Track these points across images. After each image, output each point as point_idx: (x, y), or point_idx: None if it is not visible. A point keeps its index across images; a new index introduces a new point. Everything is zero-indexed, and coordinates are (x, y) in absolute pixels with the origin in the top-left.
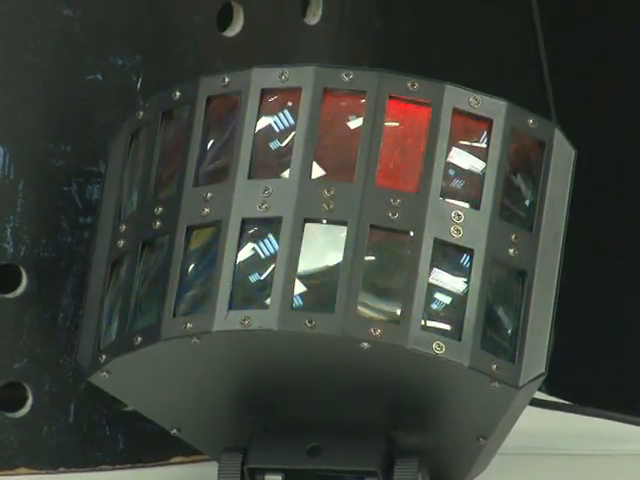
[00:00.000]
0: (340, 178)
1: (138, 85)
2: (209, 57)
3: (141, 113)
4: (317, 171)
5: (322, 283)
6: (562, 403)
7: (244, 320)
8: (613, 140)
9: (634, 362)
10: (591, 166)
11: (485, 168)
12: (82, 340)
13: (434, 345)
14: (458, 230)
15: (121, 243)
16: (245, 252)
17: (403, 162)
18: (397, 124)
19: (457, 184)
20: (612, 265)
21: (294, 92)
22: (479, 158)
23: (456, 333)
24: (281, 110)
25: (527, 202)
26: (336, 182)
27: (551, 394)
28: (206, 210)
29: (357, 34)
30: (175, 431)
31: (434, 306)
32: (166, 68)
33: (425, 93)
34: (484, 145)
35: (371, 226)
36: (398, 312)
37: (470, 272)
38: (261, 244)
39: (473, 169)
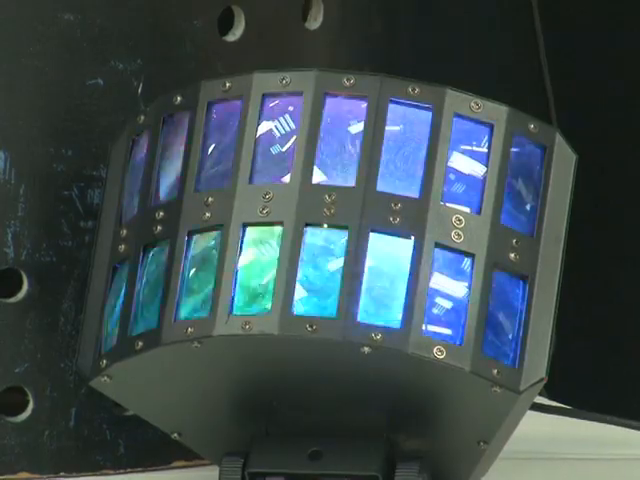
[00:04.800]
0: (341, 183)
1: (139, 89)
2: (210, 61)
3: (142, 117)
4: (318, 176)
5: (323, 288)
6: (563, 407)
7: (245, 325)
8: (614, 143)
9: (635, 366)
10: (592, 170)
11: (486, 172)
12: (83, 344)
13: (435, 350)
14: (459, 234)
15: (122, 247)
16: (246, 257)
17: (404, 167)
18: (398, 128)
19: (458, 188)
20: (613, 269)
21: (295, 97)
22: (480, 162)
23: (457, 338)
24: (282, 115)
25: (528, 206)
26: (337, 187)
27: (552, 399)
28: (207, 215)
29: (358, 39)
30: (176, 435)
31: (435, 311)
32: (167, 72)
33: (426, 97)
34: (485, 149)
35: (372, 231)
36: (399, 317)
37: (471, 277)
38: (262, 249)
39: (474, 173)
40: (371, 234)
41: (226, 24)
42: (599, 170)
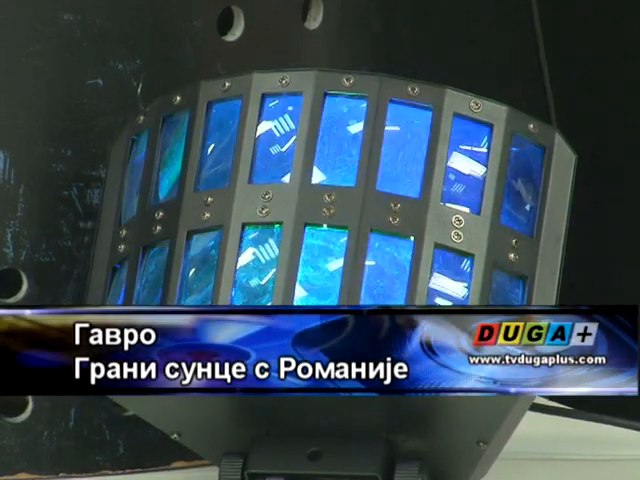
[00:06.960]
0: (341, 183)
1: (138, 90)
2: (209, 61)
3: (141, 118)
4: (317, 176)
5: (323, 288)
6: (563, 408)
7: None
8: (613, 143)
9: None
10: (591, 170)
11: (486, 173)
12: None
13: None
14: (459, 235)
15: (122, 248)
16: (246, 257)
17: (403, 167)
18: (397, 128)
19: (458, 189)
20: (612, 268)
21: (295, 97)
22: (480, 163)
23: None
24: (282, 115)
25: (528, 207)
26: (336, 187)
27: (551, 399)
28: (206, 215)
29: (357, 38)
30: (175, 436)
31: None
32: (166, 73)
33: (426, 97)
34: (485, 150)
35: (372, 231)
36: None
37: (471, 277)
38: (261, 249)
39: (474, 174)
40: (371, 234)
41: (226, 24)
42: (599, 169)
